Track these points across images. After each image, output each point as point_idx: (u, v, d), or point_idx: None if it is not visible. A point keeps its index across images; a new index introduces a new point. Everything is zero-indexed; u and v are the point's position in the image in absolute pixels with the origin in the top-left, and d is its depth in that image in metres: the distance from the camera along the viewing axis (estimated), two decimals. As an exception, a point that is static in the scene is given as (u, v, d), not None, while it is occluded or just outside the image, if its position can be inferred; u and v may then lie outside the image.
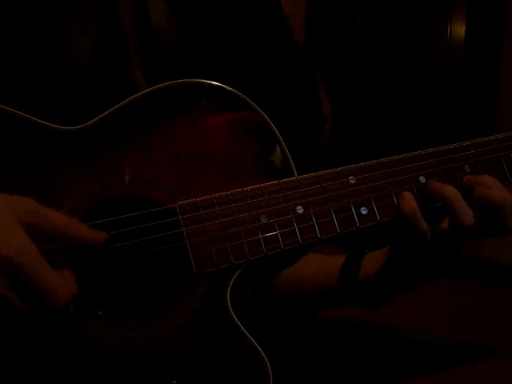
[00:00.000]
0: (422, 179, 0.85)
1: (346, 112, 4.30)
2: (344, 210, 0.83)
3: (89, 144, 0.82)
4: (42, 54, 0.89)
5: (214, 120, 0.84)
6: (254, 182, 0.82)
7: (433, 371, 0.99)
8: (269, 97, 0.96)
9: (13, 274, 0.68)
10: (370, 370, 1.01)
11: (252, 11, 1.03)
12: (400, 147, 0.88)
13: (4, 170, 0.79)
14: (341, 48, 4.63)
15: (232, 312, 0.79)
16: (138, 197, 0.81)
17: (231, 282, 0.80)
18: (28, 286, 0.69)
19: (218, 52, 0.99)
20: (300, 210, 0.82)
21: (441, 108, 4.27)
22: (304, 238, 0.82)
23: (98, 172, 0.81)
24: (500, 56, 4.13)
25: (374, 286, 0.96)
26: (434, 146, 0.88)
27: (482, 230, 0.84)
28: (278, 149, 0.84)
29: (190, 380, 0.79)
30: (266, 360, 0.79)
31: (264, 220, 0.81)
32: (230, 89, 0.84)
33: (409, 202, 0.82)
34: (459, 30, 4.25)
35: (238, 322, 0.79)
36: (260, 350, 0.79)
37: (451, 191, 0.83)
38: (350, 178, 0.84)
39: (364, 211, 0.83)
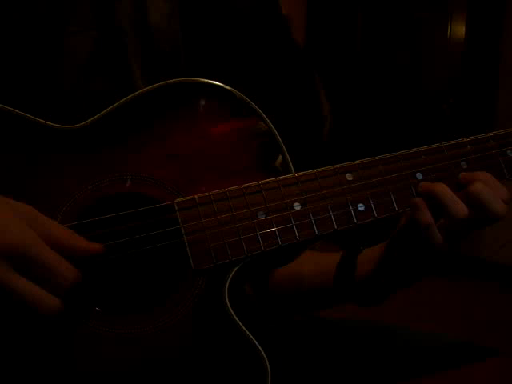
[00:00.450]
0: (419, 176, 0.86)
1: (347, 111, 4.30)
2: (341, 206, 0.83)
3: (88, 142, 0.82)
4: (42, 53, 0.90)
5: (212, 118, 0.85)
6: (253, 180, 0.82)
7: (433, 371, 0.99)
8: (268, 96, 0.96)
9: (17, 255, 0.69)
10: (370, 370, 1.01)
11: (251, 12, 1.04)
12: (400, 147, 0.88)
13: (3, 169, 0.79)
14: (342, 48, 4.63)
15: (230, 309, 0.79)
16: (138, 195, 0.81)
17: (229, 279, 0.80)
18: (33, 266, 0.70)
19: (218, 52, 1.00)
20: (297, 206, 0.82)
21: (441, 108, 4.28)
22: (301, 234, 0.82)
23: (97, 170, 0.81)
24: (500, 56, 4.13)
25: (371, 282, 0.96)
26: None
27: (476, 223, 0.84)
28: (276, 147, 0.84)
29: (189, 378, 0.79)
30: (265, 357, 0.78)
31: (262, 216, 0.81)
32: (229, 88, 0.84)
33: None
34: (459, 29, 4.26)
35: (237, 320, 0.79)
36: (259, 347, 0.79)
37: (440, 187, 0.83)
38: (347, 174, 0.84)
39: (361, 208, 0.84)
